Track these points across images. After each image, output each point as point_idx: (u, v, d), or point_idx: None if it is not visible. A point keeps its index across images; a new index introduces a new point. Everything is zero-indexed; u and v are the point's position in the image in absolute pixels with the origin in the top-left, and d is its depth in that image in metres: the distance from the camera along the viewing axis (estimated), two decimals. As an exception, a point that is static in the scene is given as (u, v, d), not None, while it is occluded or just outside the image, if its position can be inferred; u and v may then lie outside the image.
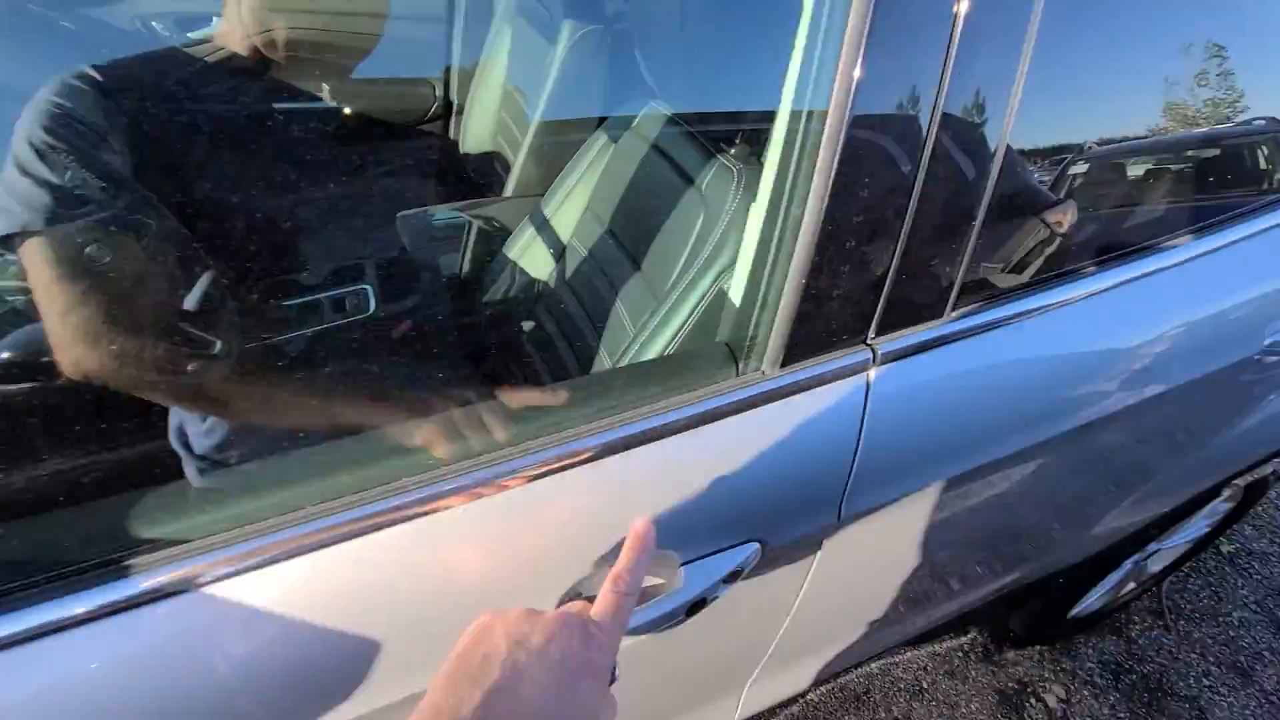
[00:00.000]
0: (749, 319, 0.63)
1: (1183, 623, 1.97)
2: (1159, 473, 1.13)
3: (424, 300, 1.36)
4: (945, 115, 0.57)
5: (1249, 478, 1.43)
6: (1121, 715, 1.73)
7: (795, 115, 0.56)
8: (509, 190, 1.57)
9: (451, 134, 2.07)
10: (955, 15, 0.53)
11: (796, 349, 0.62)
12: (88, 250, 0.60)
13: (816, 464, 0.66)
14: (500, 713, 0.34)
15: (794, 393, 0.63)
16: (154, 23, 1.59)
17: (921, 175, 0.59)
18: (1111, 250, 0.83)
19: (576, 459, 0.56)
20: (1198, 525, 1.71)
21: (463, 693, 0.34)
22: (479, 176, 1.91)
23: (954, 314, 0.70)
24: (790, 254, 0.58)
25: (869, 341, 0.66)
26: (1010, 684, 1.78)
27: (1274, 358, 0.99)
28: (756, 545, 0.66)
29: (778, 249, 0.59)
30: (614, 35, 1.30)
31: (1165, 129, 0.87)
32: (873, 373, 0.66)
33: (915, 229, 0.61)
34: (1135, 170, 0.89)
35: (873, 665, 1.79)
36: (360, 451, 0.59)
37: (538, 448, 0.56)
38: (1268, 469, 1.48)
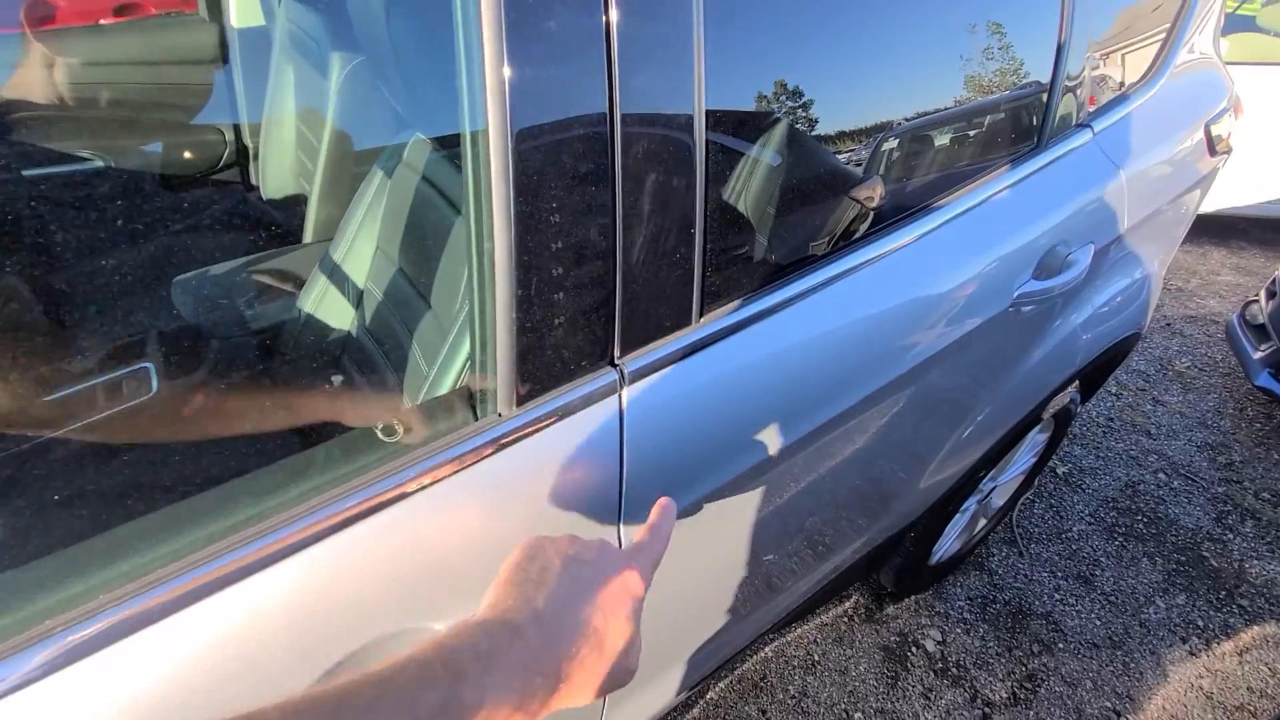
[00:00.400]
0: (476, 359, 0.59)
1: (1033, 546, 2.15)
2: (960, 425, 1.21)
3: (212, 371, 1.24)
4: (626, 123, 0.56)
5: (1051, 409, 1.58)
6: (991, 644, 1.86)
7: (472, 140, 0.53)
8: (307, 236, 1.47)
9: (253, 180, 1.92)
10: (606, 23, 0.52)
11: (530, 385, 0.59)
12: None
13: (579, 497, 0.63)
14: (565, 610, 0.37)
15: (537, 429, 0.60)
16: None
17: (619, 191, 0.58)
18: (856, 230, 0.87)
19: (287, 546, 0.51)
20: (1024, 458, 1.87)
21: (528, 592, 0.38)
22: (285, 223, 1.78)
23: (704, 319, 0.70)
24: (494, 289, 0.55)
25: (616, 362, 0.65)
26: (893, 638, 1.87)
27: (1029, 306, 1.09)
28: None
29: (481, 285, 0.56)
30: (377, 64, 1.24)
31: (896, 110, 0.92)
32: (624, 393, 0.65)
33: (630, 245, 0.60)
34: (887, 150, 0.94)
35: (766, 649, 1.83)
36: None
37: (240, 542, 0.50)
38: (1065, 399, 1.64)
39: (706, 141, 0.62)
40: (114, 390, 1.17)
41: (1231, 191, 3.82)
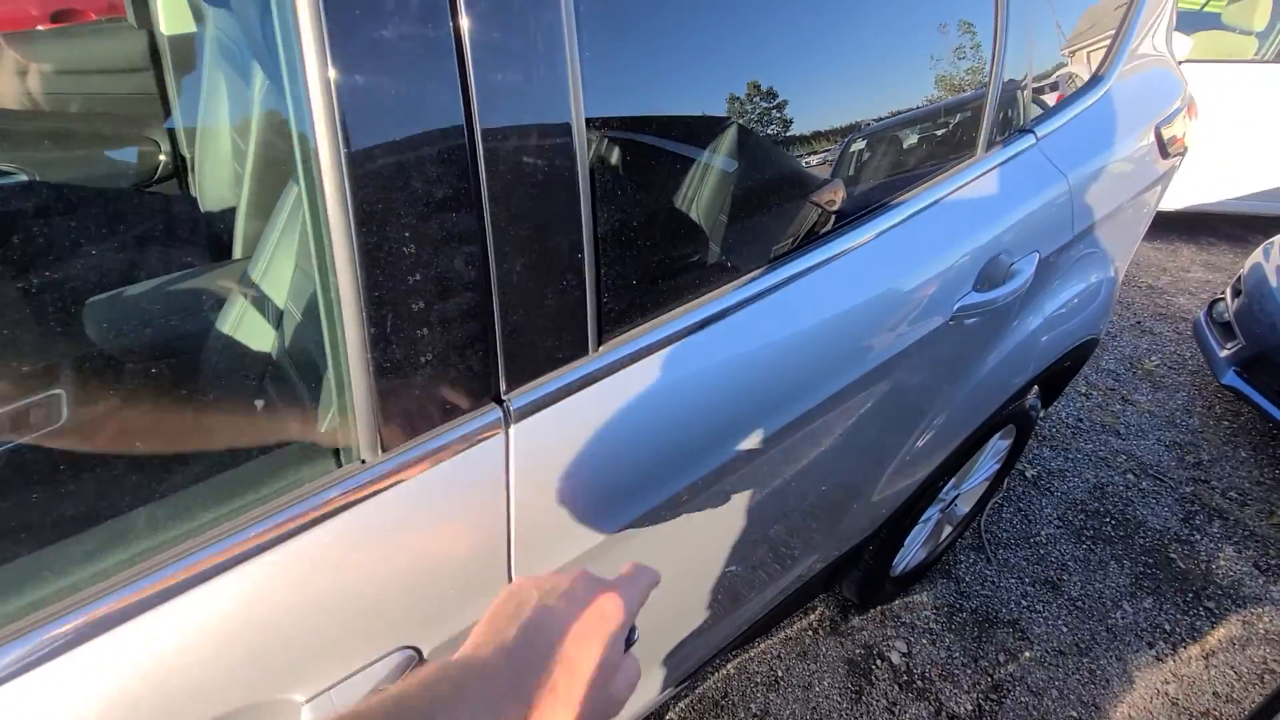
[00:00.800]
0: (334, 403, 0.54)
1: (1001, 551, 2.13)
2: (908, 439, 1.18)
3: (126, 398, 1.17)
4: (489, 139, 0.51)
5: (1009, 416, 1.55)
6: (956, 654, 1.83)
7: (304, 166, 0.48)
8: (236, 252, 1.40)
9: (192, 192, 1.86)
10: (455, 29, 0.47)
11: (396, 428, 0.54)
12: None
13: (458, 543, 0.59)
14: (535, 640, 0.39)
15: (407, 476, 0.55)
16: None
17: (488, 216, 0.53)
18: (785, 241, 0.82)
19: (134, 605, 0.45)
20: (987, 465, 1.84)
21: (502, 627, 0.39)
22: (224, 237, 1.72)
23: (603, 348, 0.66)
24: (343, 329, 0.50)
25: (502, 398, 0.60)
26: (857, 651, 1.83)
27: (973, 319, 1.05)
28: (409, 653, 0.58)
29: (331, 325, 0.51)
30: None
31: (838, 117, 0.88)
32: (512, 431, 0.60)
33: (506, 274, 0.55)
34: (810, 162, 0.90)
35: (728, 666, 1.78)
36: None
37: (74, 605, 0.45)
38: (1024, 404, 1.61)
39: (590, 156, 0.57)
40: (20, 419, 1.11)
41: (1201, 188, 3.84)
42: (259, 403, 0.70)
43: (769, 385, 0.80)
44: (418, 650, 0.58)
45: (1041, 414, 1.96)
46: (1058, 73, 1.22)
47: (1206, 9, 4.14)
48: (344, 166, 0.45)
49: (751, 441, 0.81)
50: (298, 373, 0.65)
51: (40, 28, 2.30)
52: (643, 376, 0.69)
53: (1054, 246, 1.16)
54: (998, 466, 1.90)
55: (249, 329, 0.98)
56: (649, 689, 1.06)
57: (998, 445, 1.81)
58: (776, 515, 1.03)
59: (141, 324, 1.18)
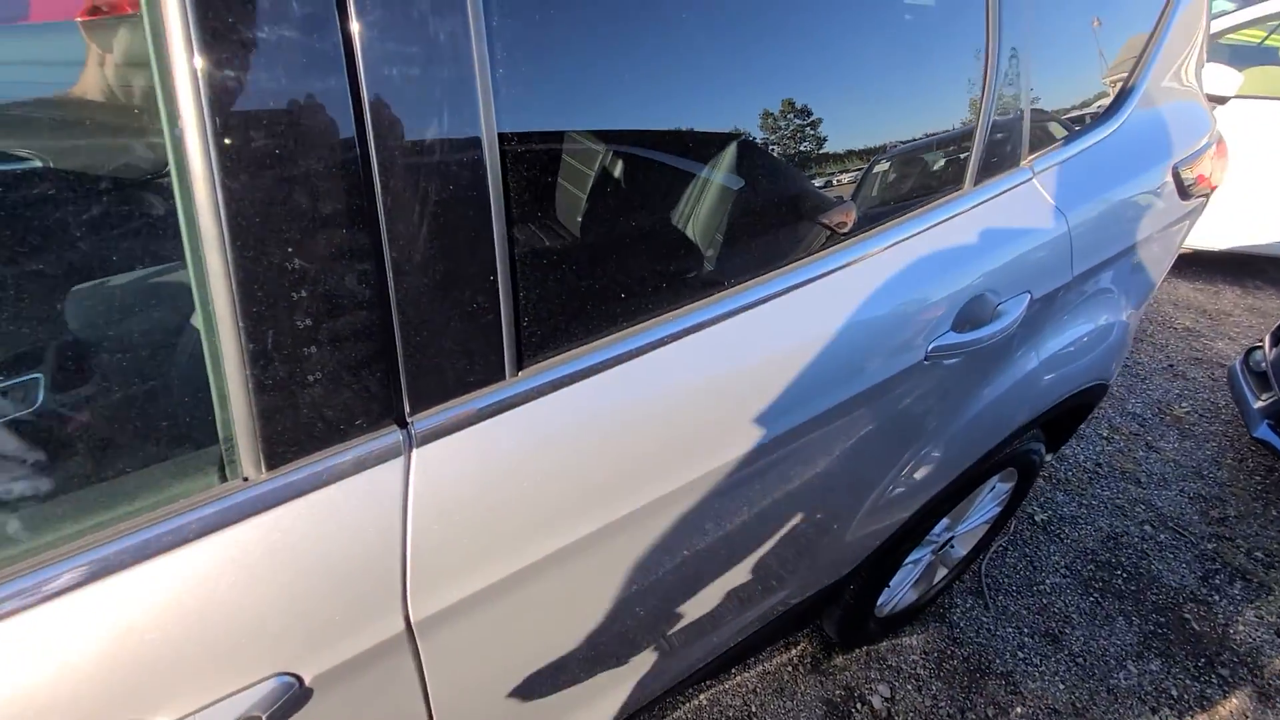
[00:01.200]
0: (218, 414, 0.53)
1: (1001, 597, 2.03)
2: (885, 479, 1.12)
3: (100, 386, 1.19)
4: (384, 152, 0.49)
5: (1006, 458, 1.47)
6: (943, 704, 1.75)
7: (179, 173, 0.46)
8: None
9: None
10: (343, 32, 0.45)
11: (281, 446, 0.52)
12: None
13: (349, 569, 0.56)
14: None
15: (291, 495, 0.53)
16: None
17: (385, 233, 0.51)
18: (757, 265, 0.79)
19: None
20: (986, 507, 1.76)
21: None
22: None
23: (524, 373, 0.63)
24: (219, 342, 0.48)
25: (406, 420, 0.58)
26: (838, 691, 1.76)
27: (952, 359, 1.00)
28: (288, 679, 0.56)
29: (211, 336, 0.49)
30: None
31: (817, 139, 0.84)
32: (414, 455, 0.58)
33: (406, 293, 0.53)
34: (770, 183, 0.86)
35: (701, 698, 1.73)
36: None
37: None
38: (1026, 446, 1.54)
39: (504, 169, 0.55)
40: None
41: (1249, 229, 3.66)
42: (143, 408, 0.69)
43: (709, 418, 0.77)
44: (298, 677, 0.56)
45: (1046, 458, 1.87)
46: (1070, 105, 1.16)
47: (1266, 43, 3.97)
48: (216, 177, 0.44)
49: (691, 474, 0.77)
50: (187, 384, 0.64)
51: (78, 19, 2.39)
52: (568, 404, 0.66)
53: (1050, 287, 1.10)
54: (999, 510, 1.82)
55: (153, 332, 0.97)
56: (612, 703, 1.02)
57: (998, 487, 1.73)
58: (728, 549, 0.99)
59: (144, 313, 1.19)
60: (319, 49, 0.44)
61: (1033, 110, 1.04)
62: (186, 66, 0.42)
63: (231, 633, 0.52)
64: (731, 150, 0.79)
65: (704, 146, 0.75)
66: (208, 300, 0.48)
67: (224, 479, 0.53)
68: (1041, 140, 1.09)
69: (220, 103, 0.42)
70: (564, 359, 0.66)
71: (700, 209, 0.78)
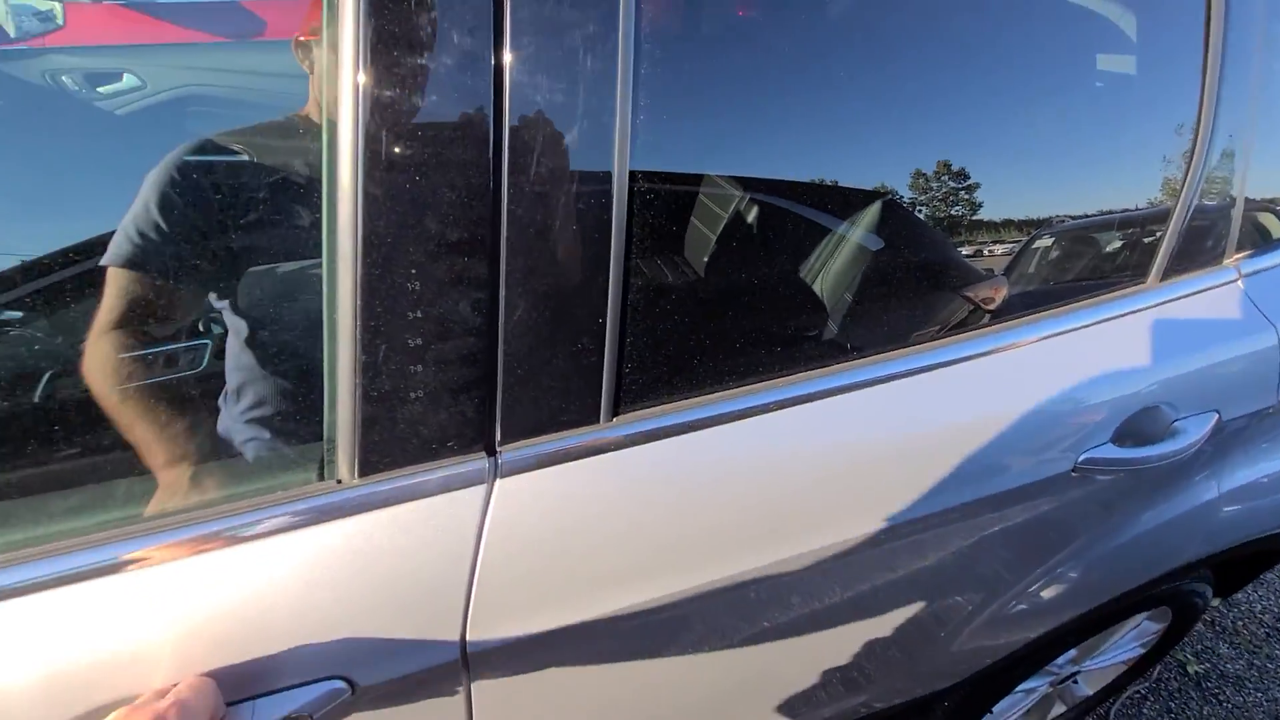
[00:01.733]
0: (326, 418, 0.55)
1: (1132, 754, 1.73)
2: (1003, 595, 0.99)
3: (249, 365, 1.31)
4: (516, 188, 0.49)
5: (1159, 597, 1.26)
6: None
7: (329, 196, 0.49)
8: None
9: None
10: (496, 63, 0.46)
11: (375, 456, 0.54)
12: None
13: (415, 588, 0.56)
14: None
15: (377, 504, 0.54)
16: (64, 78, 1.65)
17: (503, 266, 0.51)
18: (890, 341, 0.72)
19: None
20: (1127, 646, 1.51)
21: None
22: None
23: (618, 419, 0.61)
24: (336, 350, 0.50)
25: (496, 449, 0.58)
26: (914, 815, 1.57)
27: (1106, 475, 0.86)
28: (340, 684, 0.56)
29: (332, 343, 0.52)
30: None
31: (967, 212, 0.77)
32: (497, 484, 0.58)
33: (514, 325, 0.53)
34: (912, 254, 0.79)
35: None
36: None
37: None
38: (1188, 586, 1.31)
39: (629, 215, 0.54)
40: (172, 359, 1.27)
41: None
42: (276, 394, 0.73)
43: (813, 497, 0.70)
44: (352, 684, 0.57)
45: (1212, 602, 1.58)
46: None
47: None
48: (359, 195, 0.46)
49: (782, 553, 0.71)
50: (310, 380, 0.67)
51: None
52: (659, 458, 0.63)
53: (1246, 410, 0.92)
54: (1141, 651, 1.55)
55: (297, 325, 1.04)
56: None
57: (1145, 625, 1.48)
58: (813, 636, 0.91)
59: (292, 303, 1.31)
60: (470, 83, 0.46)
61: (1247, 200, 0.89)
62: (350, 83, 0.44)
63: (300, 628, 0.54)
64: (875, 209, 0.74)
65: (844, 201, 0.71)
66: (335, 307, 0.50)
67: (321, 478, 0.56)
68: (1253, 237, 0.93)
69: (372, 122, 0.45)
70: (662, 411, 0.63)
71: (831, 267, 0.73)
